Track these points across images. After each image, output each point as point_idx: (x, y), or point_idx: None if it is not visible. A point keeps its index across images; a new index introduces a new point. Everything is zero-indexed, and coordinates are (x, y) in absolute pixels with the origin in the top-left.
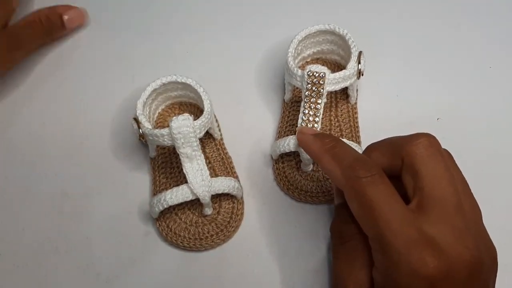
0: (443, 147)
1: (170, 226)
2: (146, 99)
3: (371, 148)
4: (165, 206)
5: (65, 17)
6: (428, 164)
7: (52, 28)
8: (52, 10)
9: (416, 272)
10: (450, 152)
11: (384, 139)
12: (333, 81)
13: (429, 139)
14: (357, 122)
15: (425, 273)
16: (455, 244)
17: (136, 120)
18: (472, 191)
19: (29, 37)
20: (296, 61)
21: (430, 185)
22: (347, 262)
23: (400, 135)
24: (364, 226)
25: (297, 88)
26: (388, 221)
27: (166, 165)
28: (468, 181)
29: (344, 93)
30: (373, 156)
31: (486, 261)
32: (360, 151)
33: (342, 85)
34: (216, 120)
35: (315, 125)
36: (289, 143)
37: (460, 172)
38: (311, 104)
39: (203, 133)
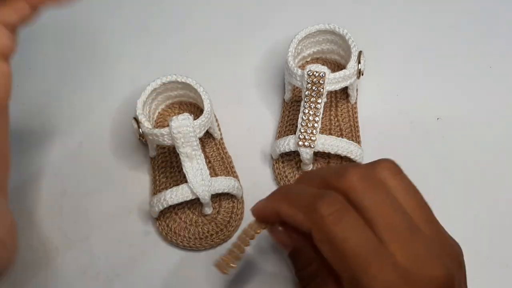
0: (443, 146)
1: (170, 226)
2: (146, 98)
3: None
4: (165, 206)
5: None
6: (367, 195)
7: None
8: None
9: None
10: (449, 151)
11: (313, 171)
12: (333, 81)
13: (361, 171)
14: (357, 122)
15: None
16: (423, 270)
17: (136, 119)
18: (472, 190)
19: None
20: (296, 60)
21: (377, 215)
22: None
23: (329, 168)
24: (339, 268)
25: (297, 87)
26: (364, 264)
27: (166, 165)
28: (468, 181)
29: (344, 93)
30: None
31: (454, 272)
32: (361, 151)
33: (342, 85)
34: (216, 120)
35: (315, 124)
36: (289, 143)
37: (410, 184)
38: (311, 104)
39: (203, 132)
